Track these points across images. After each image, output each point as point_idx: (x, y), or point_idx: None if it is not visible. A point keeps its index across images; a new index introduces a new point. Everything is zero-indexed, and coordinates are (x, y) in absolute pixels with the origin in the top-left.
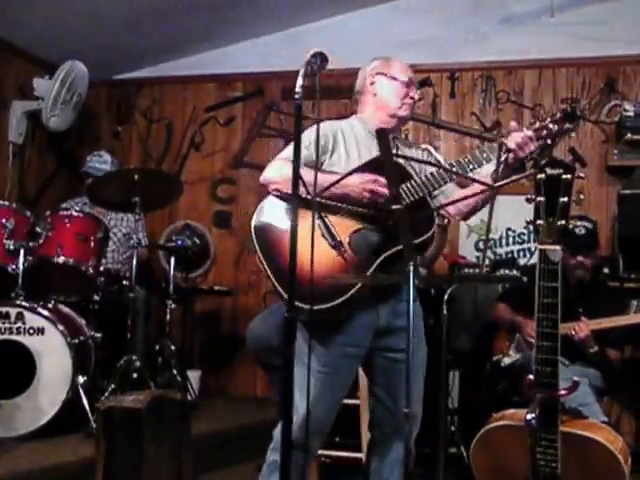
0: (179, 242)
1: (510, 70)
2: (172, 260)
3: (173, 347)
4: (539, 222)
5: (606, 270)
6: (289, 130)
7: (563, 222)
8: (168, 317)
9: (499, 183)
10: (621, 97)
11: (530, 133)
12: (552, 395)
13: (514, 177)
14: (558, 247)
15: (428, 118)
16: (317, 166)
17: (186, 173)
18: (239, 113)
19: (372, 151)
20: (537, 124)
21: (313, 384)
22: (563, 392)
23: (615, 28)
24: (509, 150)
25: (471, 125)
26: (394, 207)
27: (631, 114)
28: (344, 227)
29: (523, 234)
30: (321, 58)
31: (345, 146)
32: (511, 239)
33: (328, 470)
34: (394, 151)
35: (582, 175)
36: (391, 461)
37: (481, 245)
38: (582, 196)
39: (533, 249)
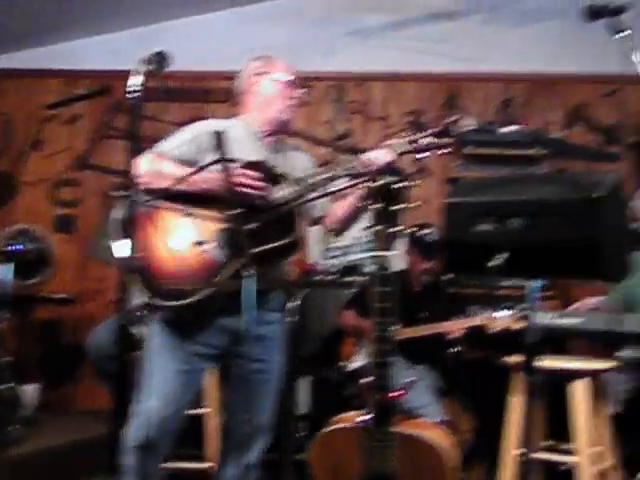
0: (14, 247)
1: (360, 81)
2: (6, 266)
3: (7, 359)
4: (375, 228)
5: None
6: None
7: (397, 229)
8: (1, 327)
9: (333, 189)
10: (462, 112)
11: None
12: (386, 396)
13: (346, 184)
14: (392, 253)
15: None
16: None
17: (25, 173)
18: (85, 112)
19: (256, 153)
20: (415, 136)
21: (168, 383)
22: (397, 393)
23: (458, 46)
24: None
25: (322, 134)
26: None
27: (470, 129)
28: (210, 226)
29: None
30: (161, 58)
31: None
32: (362, 246)
33: None
34: (275, 154)
35: (416, 183)
36: (243, 470)
37: (329, 253)
38: (418, 203)
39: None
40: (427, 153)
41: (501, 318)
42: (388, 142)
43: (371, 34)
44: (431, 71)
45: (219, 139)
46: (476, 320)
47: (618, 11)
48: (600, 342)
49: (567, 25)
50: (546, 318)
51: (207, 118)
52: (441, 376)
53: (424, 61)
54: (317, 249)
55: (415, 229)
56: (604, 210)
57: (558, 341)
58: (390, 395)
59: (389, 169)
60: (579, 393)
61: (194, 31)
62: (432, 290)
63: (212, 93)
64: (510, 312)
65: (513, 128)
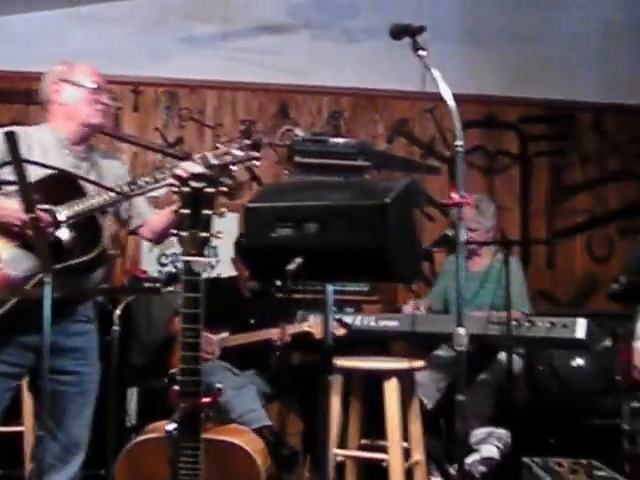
0: None
1: (192, 89)
2: None
3: None
4: (182, 234)
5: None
6: None
7: (205, 234)
8: None
9: (134, 192)
10: (293, 122)
11: (196, 170)
12: (195, 404)
13: (150, 187)
14: (201, 258)
15: (111, 130)
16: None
17: None
18: None
19: (61, 160)
20: (222, 149)
21: None
22: (206, 400)
23: (288, 59)
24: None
25: (154, 140)
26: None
27: (300, 139)
28: (7, 241)
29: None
30: None
31: (30, 155)
32: None
33: None
34: (83, 161)
35: (225, 189)
36: None
37: (164, 260)
38: (224, 209)
39: (214, 263)
40: (237, 166)
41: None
42: (199, 155)
43: (204, 43)
44: (263, 82)
45: (10, 140)
46: (303, 326)
47: (418, 31)
48: (415, 343)
49: (390, 44)
50: (367, 321)
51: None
52: (269, 381)
53: (256, 72)
54: (151, 256)
55: (241, 235)
56: (391, 215)
57: (381, 342)
58: (199, 402)
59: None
60: (390, 392)
61: (20, 30)
62: (262, 296)
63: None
64: (335, 317)
65: (341, 140)
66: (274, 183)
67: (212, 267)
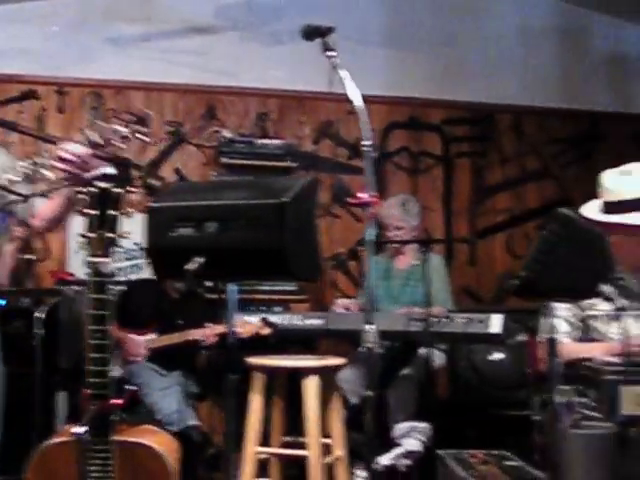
0: None
1: (118, 90)
2: None
3: None
4: (89, 235)
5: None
6: None
7: (112, 235)
8: None
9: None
10: (220, 124)
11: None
12: (104, 406)
13: (55, 186)
14: (108, 259)
15: (35, 131)
16: None
17: None
18: None
19: None
20: (102, 125)
21: None
22: (116, 402)
23: (215, 60)
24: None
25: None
26: None
27: (227, 140)
28: None
29: (133, 250)
30: None
31: None
32: (122, 255)
33: None
34: None
35: (134, 190)
36: None
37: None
38: (132, 210)
39: (141, 265)
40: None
41: (250, 324)
42: (80, 134)
43: (130, 43)
44: (190, 83)
45: None
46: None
47: (327, 32)
48: (341, 340)
49: (315, 46)
50: (294, 320)
51: None
52: (196, 381)
53: (183, 73)
54: (77, 258)
55: None
56: (289, 214)
57: (307, 341)
58: (108, 404)
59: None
60: (309, 389)
61: None
62: (189, 297)
63: None
64: (257, 317)
65: (268, 141)
66: (178, 183)
67: (139, 269)
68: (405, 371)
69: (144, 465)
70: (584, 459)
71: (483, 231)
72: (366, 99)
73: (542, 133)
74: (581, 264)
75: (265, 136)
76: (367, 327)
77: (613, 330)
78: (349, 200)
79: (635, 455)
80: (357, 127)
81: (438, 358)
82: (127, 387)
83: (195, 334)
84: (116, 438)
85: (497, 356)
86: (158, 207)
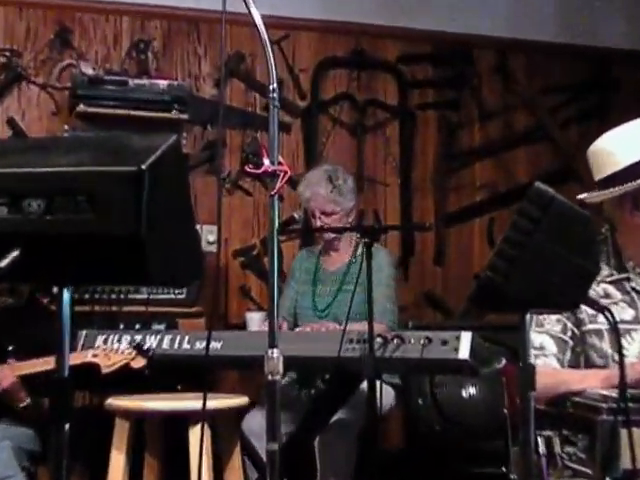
0: None
1: None
2: None
3: None
4: None
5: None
6: None
7: None
8: None
9: None
10: (77, 55)
11: None
12: None
13: None
14: None
15: None
16: None
17: None
18: None
19: None
20: None
21: None
22: None
23: None
24: None
25: None
26: None
27: (87, 79)
28: None
29: None
30: None
31: None
32: None
33: None
34: None
35: None
36: None
37: None
38: None
39: None
40: None
41: (117, 352)
42: None
43: None
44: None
45: None
46: (86, 355)
47: None
48: (246, 370)
49: None
50: (179, 343)
51: None
52: (37, 434)
53: None
54: None
55: None
56: (150, 188)
57: (199, 373)
58: None
59: None
60: (195, 442)
61: None
62: (23, 312)
63: None
64: (126, 342)
65: (147, 81)
66: (6, 140)
67: None
68: (339, 415)
69: None
70: None
71: (455, 215)
72: (292, 24)
73: (536, 78)
74: (565, 259)
75: (143, 74)
76: (269, 352)
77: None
78: (246, 169)
79: None
80: (280, 64)
81: (386, 395)
82: None
83: (34, 366)
84: None
85: (471, 391)
86: None
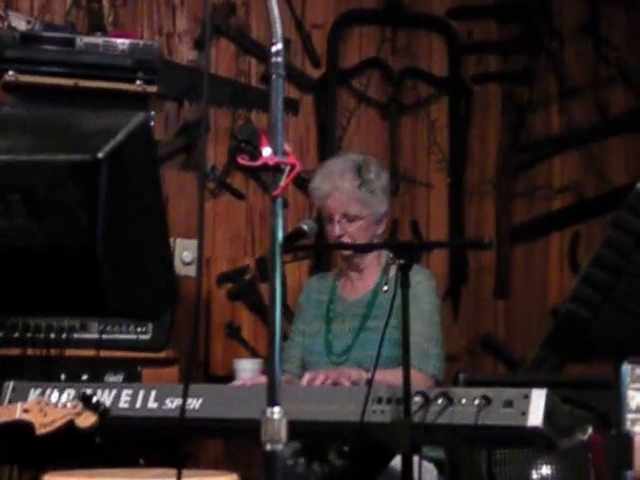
0: None
1: None
2: None
3: None
4: None
5: None
6: None
7: None
8: None
9: None
10: (5, 4)
11: None
12: None
13: None
14: None
15: None
16: None
17: None
18: None
19: None
20: None
21: None
22: None
23: None
24: None
25: None
26: None
27: (18, 35)
28: None
29: None
30: None
31: None
32: None
33: None
34: None
35: None
36: None
37: None
38: None
39: None
40: None
41: (57, 407)
42: None
43: None
44: None
45: None
46: (15, 411)
47: None
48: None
49: None
50: (142, 400)
51: None
52: None
53: None
54: None
55: None
56: (108, 184)
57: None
58: None
59: None
60: None
61: None
62: None
63: None
64: (71, 394)
65: (102, 39)
66: None
67: None
68: None
69: None
70: None
71: (524, 228)
72: None
73: (635, 41)
74: None
75: (96, 30)
76: (269, 412)
77: None
78: (239, 160)
79: None
80: (286, 18)
81: (427, 476)
82: None
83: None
84: None
85: (541, 472)
86: None
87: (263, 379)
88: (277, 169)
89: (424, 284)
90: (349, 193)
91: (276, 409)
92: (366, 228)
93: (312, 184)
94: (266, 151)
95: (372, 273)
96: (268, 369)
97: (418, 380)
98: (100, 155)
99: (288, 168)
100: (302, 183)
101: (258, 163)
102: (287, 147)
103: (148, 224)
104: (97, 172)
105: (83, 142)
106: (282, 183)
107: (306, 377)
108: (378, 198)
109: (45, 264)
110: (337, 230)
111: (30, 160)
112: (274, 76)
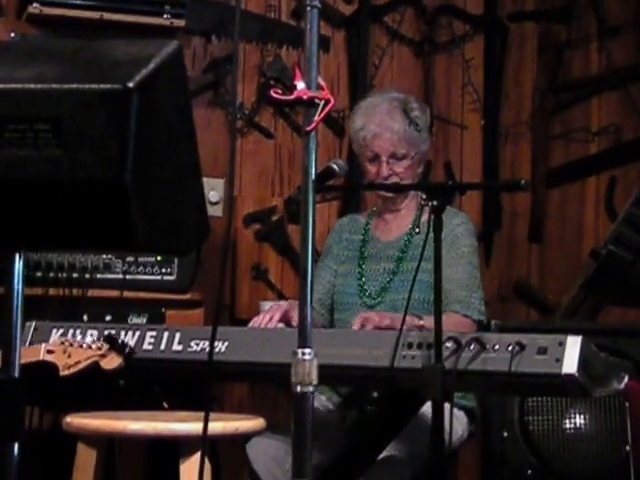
0: None
1: None
2: None
3: None
4: None
5: None
6: None
7: None
8: None
9: None
10: None
11: None
12: None
13: None
14: None
15: None
16: None
17: None
18: None
19: None
20: None
21: None
22: None
23: None
24: None
25: None
26: None
27: None
28: None
29: None
30: None
31: None
32: None
33: None
34: None
35: None
36: None
37: None
38: None
39: None
40: None
41: (81, 348)
42: None
43: None
44: None
45: None
46: (38, 351)
47: None
48: (263, 381)
49: None
50: (168, 342)
51: None
52: None
53: None
54: None
55: None
56: (138, 115)
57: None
58: None
59: None
60: (188, 474)
61: None
62: None
63: None
64: (94, 335)
65: None
66: None
67: None
68: (391, 449)
69: None
70: None
71: (561, 171)
72: None
73: None
74: None
75: None
76: (300, 354)
77: None
78: (272, 94)
79: None
80: None
81: (458, 424)
82: None
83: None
84: None
85: (575, 421)
86: None
87: (278, 315)
88: (311, 103)
89: (462, 227)
90: (400, 133)
91: (307, 350)
92: (410, 168)
93: (354, 124)
94: (300, 85)
95: (407, 214)
96: (299, 311)
97: (465, 326)
98: (131, 84)
99: (322, 103)
100: (332, 122)
101: (291, 97)
102: (321, 81)
103: (179, 157)
104: (128, 102)
105: (113, 71)
106: (316, 118)
107: (358, 320)
108: (424, 136)
109: (73, 196)
110: (385, 171)
111: (59, 89)
112: (308, 8)
